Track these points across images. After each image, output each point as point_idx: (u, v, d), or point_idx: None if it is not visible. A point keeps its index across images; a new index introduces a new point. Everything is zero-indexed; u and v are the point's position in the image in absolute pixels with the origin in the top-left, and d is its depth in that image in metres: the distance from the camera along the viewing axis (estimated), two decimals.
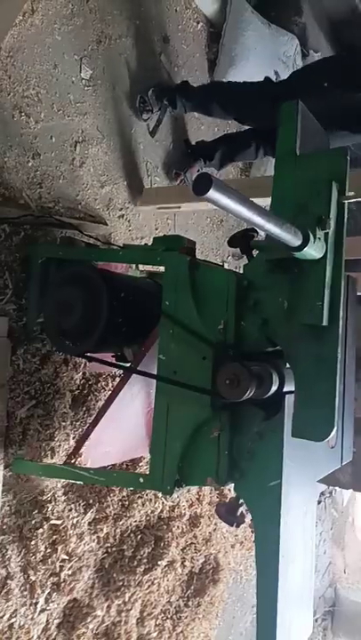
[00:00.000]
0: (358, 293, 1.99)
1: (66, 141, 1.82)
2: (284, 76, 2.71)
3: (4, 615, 1.58)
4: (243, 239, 1.38)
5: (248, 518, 1.31)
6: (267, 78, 2.14)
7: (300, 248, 1.01)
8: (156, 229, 2.30)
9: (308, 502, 1.36)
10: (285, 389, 1.21)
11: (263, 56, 2.67)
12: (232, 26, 2.52)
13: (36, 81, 1.70)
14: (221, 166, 2.33)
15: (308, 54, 2.86)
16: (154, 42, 2.22)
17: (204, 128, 2.56)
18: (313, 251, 1.05)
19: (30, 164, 1.69)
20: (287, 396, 1.22)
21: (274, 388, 1.18)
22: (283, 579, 1.17)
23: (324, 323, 1.12)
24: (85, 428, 1.76)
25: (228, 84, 2.36)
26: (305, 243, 1.01)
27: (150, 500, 2.09)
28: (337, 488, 4.63)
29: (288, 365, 1.22)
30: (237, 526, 1.39)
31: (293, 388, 1.19)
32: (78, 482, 1.63)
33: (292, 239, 0.98)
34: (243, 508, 1.33)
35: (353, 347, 1.83)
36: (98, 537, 1.88)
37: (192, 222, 2.58)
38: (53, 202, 1.77)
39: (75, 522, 1.77)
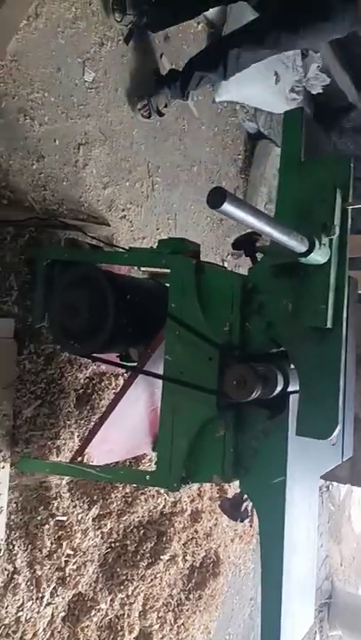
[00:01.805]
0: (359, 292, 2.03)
1: (69, 144, 1.84)
2: (285, 77, 2.73)
3: (11, 609, 1.62)
4: (247, 242, 1.41)
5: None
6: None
7: (306, 254, 1.05)
8: (158, 229, 2.32)
9: (311, 497, 1.40)
10: (290, 389, 1.25)
11: None
12: (232, 26, 2.53)
13: (40, 84, 1.71)
14: (183, 90, 2.15)
15: (308, 54, 2.88)
16: (155, 43, 2.23)
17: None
18: (318, 256, 1.09)
19: (35, 167, 1.71)
20: (291, 395, 1.25)
21: (279, 388, 1.22)
22: (287, 571, 1.21)
23: (329, 325, 1.15)
24: (90, 426, 1.79)
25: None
26: (311, 249, 1.04)
27: (153, 496, 2.13)
28: (334, 483, 4.70)
29: (292, 366, 1.26)
30: (242, 521, 1.43)
31: (297, 388, 1.23)
32: (86, 479, 1.66)
33: (299, 246, 1.02)
34: (246, 504, 1.37)
35: (353, 346, 1.88)
36: (102, 532, 1.91)
37: (192, 222, 2.61)
38: (57, 204, 1.79)
39: (79, 518, 1.81)
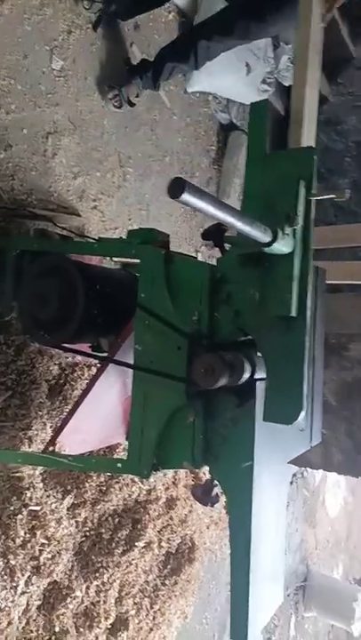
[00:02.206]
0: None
1: (38, 132, 1.82)
2: (256, 68, 2.74)
3: None
4: (216, 233, 1.43)
5: (222, 499, 1.38)
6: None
7: (270, 244, 1.07)
8: (130, 220, 2.32)
9: (280, 482, 1.44)
10: (257, 377, 1.27)
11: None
12: (204, 16, 2.52)
13: (6, 71, 1.69)
14: (155, 81, 2.15)
15: (280, 45, 2.89)
16: (125, 31, 2.22)
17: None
18: (282, 246, 1.11)
19: (2, 156, 1.69)
20: (258, 382, 1.28)
21: (246, 376, 1.24)
22: (255, 553, 1.25)
23: (293, 314, 1.18)
24: (63, 416, 1.80)
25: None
26: (274, 239, 1.06)
27: (127, 484, 2.15)
28: (308, 469, 4.81)
29: (259, 354, 1.29)
30: (212, 506, 1.47)
31: (264, 376, 1.26)
32: (58, 468, 1.67)
33: (262, 236, 1.04)
34: (217, 489, 1.40)
35: (322, 334, 1.92)
36: (76, 521, 1.93)
37: (165, 212, 2.61)
38: (26, 194, 1.77)
39: (53, 507, 1.82)
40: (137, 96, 2.17)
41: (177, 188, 0.74)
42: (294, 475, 4.83)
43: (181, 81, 2.62)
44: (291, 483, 4.89)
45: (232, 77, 2.66)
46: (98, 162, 2.12)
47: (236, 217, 0.88)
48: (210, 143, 2.99)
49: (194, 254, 2.89)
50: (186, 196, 0.75)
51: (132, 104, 2.18)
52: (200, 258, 2.86)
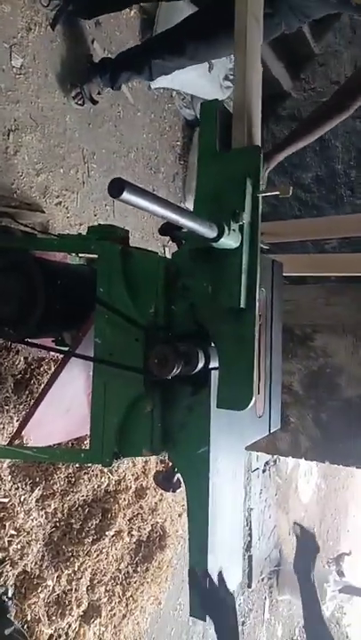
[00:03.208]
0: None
1: None
2: (218, 65, 2.79)
3: None
4: (173, 228, 1.48)
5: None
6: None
7: (217, 239, 1.12)
8: (95, 216, 2.35)
9: (236, 466, 1.51)
10: (211, 366, 1.34)
11: None
12: (165, 13, 2.56)
13: None
14: (113, 84, 2.18)
15: None
16: (86, 29, 2.24)
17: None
18: (229, 241, 1.17)
19: None
20: (213, 372, 1.35)
21: (200, 365, 1.30)
22: (212, 533, 1.32)
23: (242, 305, 1.24)
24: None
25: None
26: (220, 234, 1.12)
27: (96, 475, 2.20)
28: (281, 457, 4.93)
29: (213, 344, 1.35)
30: (173, 491, 1.52)
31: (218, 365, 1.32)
32: (23, 460, 1.71)
33: (208, 231, 1.09)
34: (178, 475, 1.47)
35: (280, 323, 2.00)
36: (46, 512, 1.97)
37: (132, 208, 2.64)
38: None
39: (22, 499, 1.85)
40: (99, 93, 2.20)
41: (117, 187, 0.78)
42: (267, 463, 4.95)
43: None
44: (264, 471, 5.02)
45: (195, 74, 2.71)
46: (61, 158, 2.14)
47: (178, 214, 0.93)
48: (175, 139, 3.03)
49: (161, 250, 2.94)
50: (126, 196, 0.79)
51: (94, 101, 2.20)
52: (167, 253, 2.91)
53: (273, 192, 1.24)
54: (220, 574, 1.24)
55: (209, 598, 1.18)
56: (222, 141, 1.33)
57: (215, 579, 1.20)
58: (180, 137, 3.07)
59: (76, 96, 2.13)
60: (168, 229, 1.49)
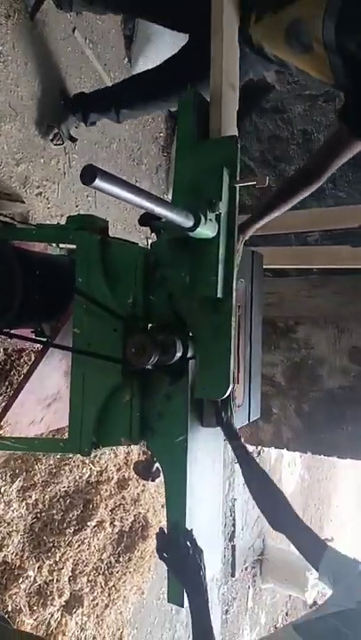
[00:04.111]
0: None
1: None
2: None
3: None
4: (151, 218, 1.48)
5: None
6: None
7: (193, 229, 1.13)
8: (77, 207, 2.34)
9: (215, 454, 1.53)
10: (189, 355, 1.35)
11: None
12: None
13: None
14: (85, 121, 2.16)
15: None
16: (67, 17, 2.21)
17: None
18: (206, 230, 1.17)
19: None
20: (191, 361, 1.36)
21: (178, 355, 1.31)
22: (189, 521, 1.33)
23: (219, 295, 1.25)
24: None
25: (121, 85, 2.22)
26: (197, 224, 1.13)
27: (78, 466, 2.20)
28: (265, 448, 4.98)
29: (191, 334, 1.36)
30: (152, 480, 1.54)
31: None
32: (1, 450, 1.70)
33: (185, 221, 1.10)
34: (157, 464, 1.48)
35: (260, 316, 2.02)
36: (27, 503, 1.97)
37: (114, 199, 2.63)
38: None
39: (2, 490, 1.85)
40: (76, 127, 2.19)
41: (89, 174, 0.78)
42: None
43: (127, 68, 2.63)
44: None
45: None
46: (41, 148, 2.12)
47: (153, 202, 0.93)
48: (158, 130, 3.02)
49: (144, 242, 2.93)
50: (99, 183, 0.79)
51: (73, 139, 2.20)
52: (149, 245, 2.90)
53: (250, 182, 1.25)
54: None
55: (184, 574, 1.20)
56: (201, 132, 1.33)
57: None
58: (164, 128, 3.06)
59: (54, 138, 2.12)
60: (147, 219, 1.49)
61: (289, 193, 1.51)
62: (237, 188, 1.27)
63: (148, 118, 2.92)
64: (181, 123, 1.34)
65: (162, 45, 2.71)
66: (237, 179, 1.27)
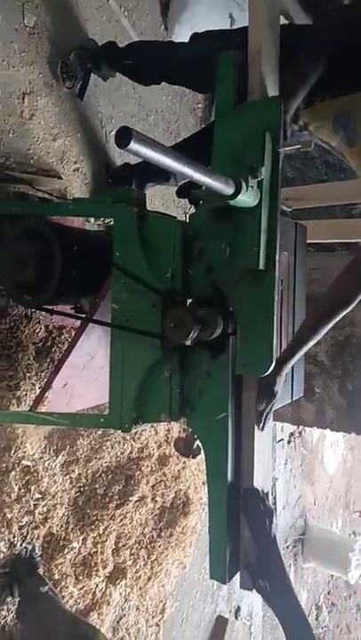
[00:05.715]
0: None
1: (13, 93, 1.79)
2: (241, 20, 2.65)
3: None
4: (189, 189, 1.43)
5: None
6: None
7: (233, 196, 1.07)
8: (110, 180, 2.30)
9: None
10: (229, 331, 1.30)
11: None
12: None
13: None
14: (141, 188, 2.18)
15: None
16: None
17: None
18: (247, 198, 1.11)
19: None
20: (232, 336, 1.31)
21: (218, 330, 1.27)
22: (232, 501, 1.30)
23: (261, 267, 1.20)
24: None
25: (153, 46, 2.15)
26: (238, 191, 1.07)
27: (119, 442, 2.22)
28: (307, 428, 4.91)
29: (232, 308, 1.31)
30: (193, 457, 1.52)
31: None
32: (44, 425, 1.73)
33: (225, 188, 1.04)
34: (198, 442, 1.46)
35: (303, 289, 1.94)
36: (70, 477, 2.01)
37: None
38: (4, 157, 1.76)
39: (47, 465, 1.89)
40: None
41: (123, 137, 0.74)
42: (292, 434, 4.94)
43: (163, 34, 2.55)
44: (289, 442, 5.01)
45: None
46: (78, 122, 2.09)
47: (191, 167, 0.88)
48: (196, 101, 2.93)
49: (182, 216, 2.88)
50: (134, 145, 0.74)
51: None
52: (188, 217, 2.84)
53: (294, 146, 1.17)
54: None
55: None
56: (241, 95, 1.26)
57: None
58: (202, 99, 2.96)
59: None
60: (185, 190, 1.45)
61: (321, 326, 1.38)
62: (281, 154, 1.20)
63: (186, 90, 2.83)
64: (220, 86, 1.27)
65: (199, 11, 2.60)
66: (281, 143, 1.19)
